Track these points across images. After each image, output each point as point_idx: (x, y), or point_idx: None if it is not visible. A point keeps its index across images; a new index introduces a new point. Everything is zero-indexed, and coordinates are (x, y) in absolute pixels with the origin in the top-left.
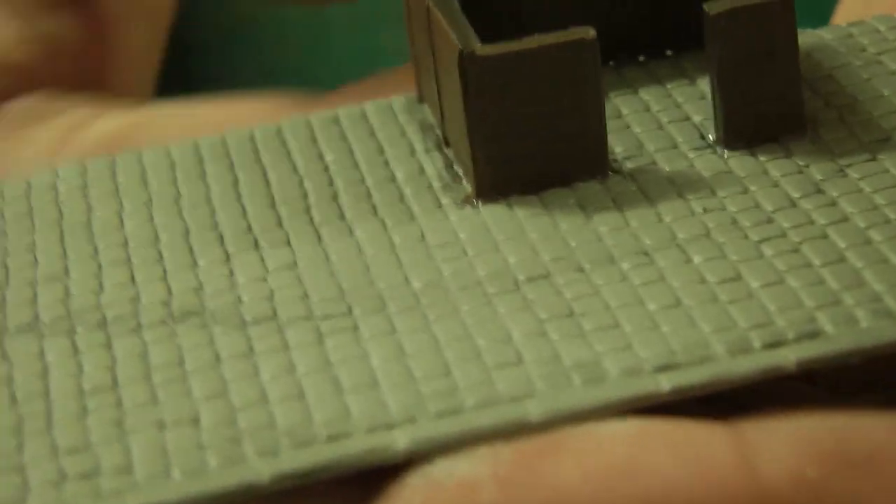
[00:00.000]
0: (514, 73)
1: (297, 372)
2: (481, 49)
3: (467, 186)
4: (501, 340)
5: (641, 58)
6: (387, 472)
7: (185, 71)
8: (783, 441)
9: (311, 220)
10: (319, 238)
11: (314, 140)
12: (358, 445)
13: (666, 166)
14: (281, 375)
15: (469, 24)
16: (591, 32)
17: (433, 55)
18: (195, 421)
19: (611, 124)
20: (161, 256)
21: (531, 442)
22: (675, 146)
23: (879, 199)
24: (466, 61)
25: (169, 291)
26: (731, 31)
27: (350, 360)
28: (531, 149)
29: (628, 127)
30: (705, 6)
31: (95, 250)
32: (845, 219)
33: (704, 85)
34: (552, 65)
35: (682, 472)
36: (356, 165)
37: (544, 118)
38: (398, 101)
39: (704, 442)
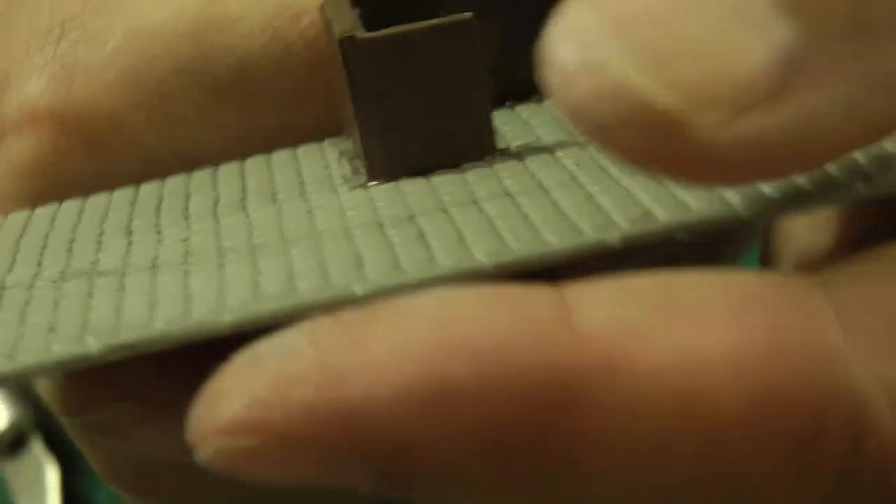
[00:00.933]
0: (395, 57)
1: (157, 294)
2: (360, 33)
3: (362, 178)
4: (349, 256)
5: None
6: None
7: None
8: (604, 291)
9: (215, 213)
10: (217, 222)
11: (243, 172)
12: (189, 322)
13: (554, 145)
14: (140, 299)
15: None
16: (468, 15)
17: (335, 61)
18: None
19: (517, 129)
20: (71, 249)
21: (350, 312)
22: (570, 133)
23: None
24: (346, 45)
25: (68, 265)
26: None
27: (204, 283)
28: (419, 132)
29: (532, 130)
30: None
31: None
32: None
33: None
34: (433, 47)
35: (497, 320)
36: (271, 180)
37: (429, 101)
38: (329, 140)
39: (521, 295)
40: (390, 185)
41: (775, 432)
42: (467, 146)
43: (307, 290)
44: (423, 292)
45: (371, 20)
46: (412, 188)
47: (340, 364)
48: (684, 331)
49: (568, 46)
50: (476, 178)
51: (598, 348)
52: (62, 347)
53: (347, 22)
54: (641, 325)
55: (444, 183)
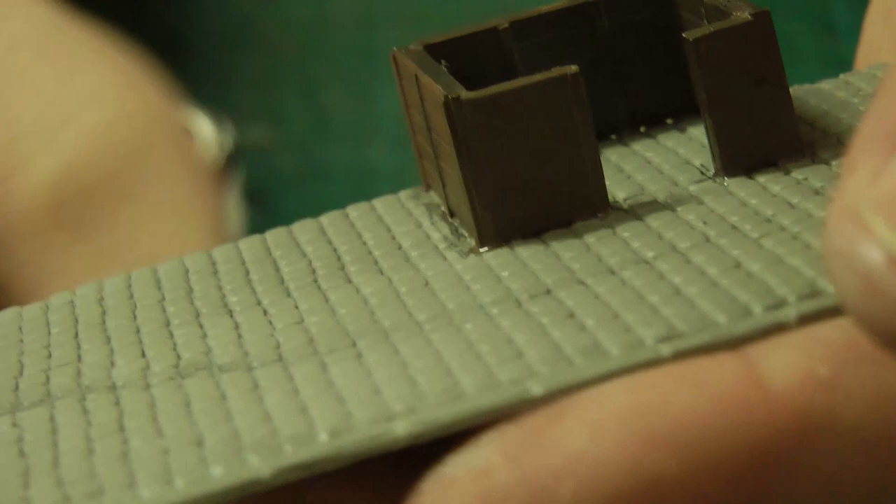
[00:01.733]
0: (501, 115)
1: (302, 394)
2: (465, 94)
3: (471, 241)
4: (503, 342)
5: (643, 128)
6: (405, 486)
7: (186, 71)
8: (789, 347)
9: (318, 286)
10: (326, 298)
11: (323, 231)
12: (358, 436)
13: (667, 200)
14: (285, 398)
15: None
16: (573, 68)
17: (426, 123)
18: (199, 443)
19: (612, 176)
20: (172, 334)
21: (533, 416)
22: (675, 184)
23: None
24: (452, 106)
25: (178, 357)
26: (713, 55)
27: (351, 378)
28: (528, 191)
29: (629, 178)
30: (684, 33)
31: (108, 339)
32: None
33: (703, 134)
34: (538, 103)
35: (690, 400)
36: (364, 243)
37: (537, 159)
38: (404, 192)
39: (708, 368)
40: (505, 251)
41: None
42: (578, 203)
43: (475, 390)
44: (601, 387)
45: (453, 72)
46: (530, 254)
47: (543, 475)
48: (878, 376)
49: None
50: (598, 241)
51: (795, 407)
52: (223, 470)
53: (448, 82)
54: (832, 378)
55: (565, 248)
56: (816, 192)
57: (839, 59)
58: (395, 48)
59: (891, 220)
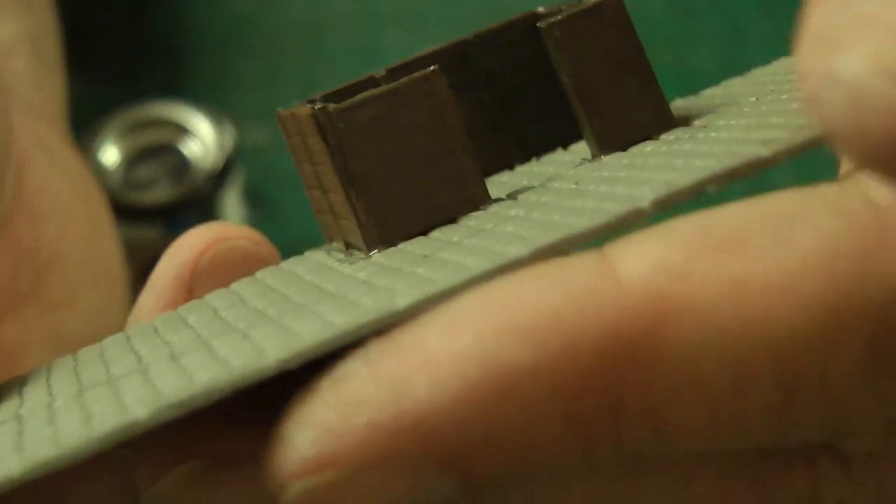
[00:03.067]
0: (370, 122)
1: (181, 362)
2: (333, 105)
3: (360, 255)
4: (372, 289)
5: (534, 159)
6: None
7: (186, 71)
8: (643, 241)
9: (216, 312)
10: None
11: (234, 292)
12: (233, 371)
13: (545, 183)
14: (168, 370)
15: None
16: (432, 68)
17: (310, 158)
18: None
19: (497, 186)
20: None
21: (398, 330)
22: (553, 177)
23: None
24: (320, 118)
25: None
26: (569, 41)
27: (234, 347)
28: (409, 193)
29: (514, 184)
30: (538, 24)
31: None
32: (704, 140)
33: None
34: (404, 105)
35: (544, 293)
36: (270, 286)
37: (412, 161)
38: (310, 251)
39: (564, 265)
40: (391, 250)
41: (848, 335)
42: (458, 200)
43: (344, 320)
44: (460, 295)
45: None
46: (414, 244)
47: (396, 374)
48: (733, 262)
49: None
50: (478, 220)
51: (650, 294)
52: (107, 421)
53: (319, 103)
54: (687, 265)
55: (445, 231)
56: (677, 142)
57: None
58: (279, 110)
59: (874, 34)
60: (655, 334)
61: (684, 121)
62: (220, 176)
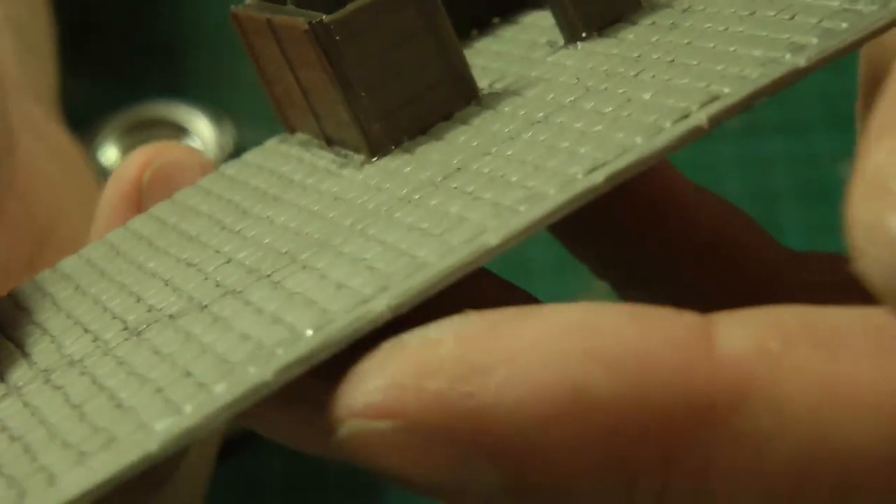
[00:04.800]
0: (364, 30)
1: (267, 310)
2: (327, 17)
3: (360, 157)
4: (441, 216)
5: (474, 31)
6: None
7: (186, 71)
8: (747, 319)
9: (231, 230)
10: (244, 237)
11: (209, 192)
12: (342, 321)
13: (532, 74)
14: (252, 318)
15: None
16: None
17: (288, 63)
18: (189, 374)
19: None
20: (105, 307)
21: (497, 312)
22: (531, 61)
23: (728, 10)
24: (318, 31)
25: (123, 322)
26: None
27: (309, 284)
28: (405, 94)
29: (486, 68)
30: None
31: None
32: (703, 32)
33: (539, 19)
34: (395, 10)
35: (639, 334)
36: (255, 188)
37: (406, 62)
38: (269, 140)
39: (667, 314)
40: (397, 153)
41: None
42: (452, 96)
43: (436, 257)
44: (568, 303)
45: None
46: (424, 148)
47: (478, 360)
48: (826, 364)
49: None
50: (484, 121)
51: (738, 373)
52: (225, 385)
53: (304, 13)
54: (782, 354)
55: (456, 135)
56: (671, 28)
57: (838, 61)
58: (231, 8)
59: None
60: (732, 411)
61: (647, 1)
62: None
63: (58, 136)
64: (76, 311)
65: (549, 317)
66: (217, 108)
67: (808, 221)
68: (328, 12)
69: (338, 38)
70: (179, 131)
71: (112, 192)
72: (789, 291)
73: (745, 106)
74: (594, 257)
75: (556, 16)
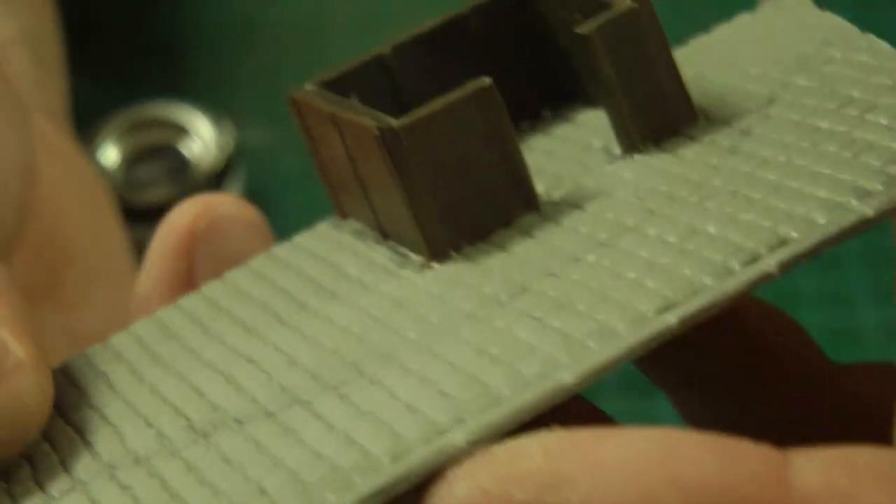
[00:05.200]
0: (431, 136)
1: (338, 427)
2: (396, 122)
3: (418, 258)
4: (509, 341)
5: (525, 124)
6: None
7: (186, 71)
8: (821, 457)
9: (287, 324)
10: (303, 335)
11: (260, 275)
12: (421, 453)
13: (589, 183)
14: (323, 434)
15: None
16: (486, 81)
17: (349, 156)
18: (263, 492)
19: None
20: (165, 398)
21: (582, 430)
22: (588, 168)
23: (788, 137)
24: (387, 137)
25: (187, 418)
26: (608, 42)
27: (379, 402)
28: (466, 199)
29: (541, 170)
30: (576, 28)
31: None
32: (765, 161)
33: (591, 119)
34: (462, 117)
35: (718, 465)
36: (310, 278)
37: (469, 168)
38: (321, 224)
39: (744, 447)
40: (459, 260)
41: None
42: (512, 202)
43: (510, 390)
44: (651, 427)
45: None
46: (486, 257)
47: (563, 473)
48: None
49: None
50: (546, 234)
51: None
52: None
53: (374, 115)
54: (851, 493)
55: (517, 246)
56: (730, 151)
57: None
58: (292, 92)
59: None
60: None
61: (705, 114)
62: (220, 176)
63: (71, 153)
64: (134, 399)
65: (633, 439)
66: (217, 108)
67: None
68: (391, 110)
69: (405, 143)
70: (179, 131)
71: (162, 244)
72: (836, 401)
73: (814, 253)
74: (655, 370)
75: (613, 122)
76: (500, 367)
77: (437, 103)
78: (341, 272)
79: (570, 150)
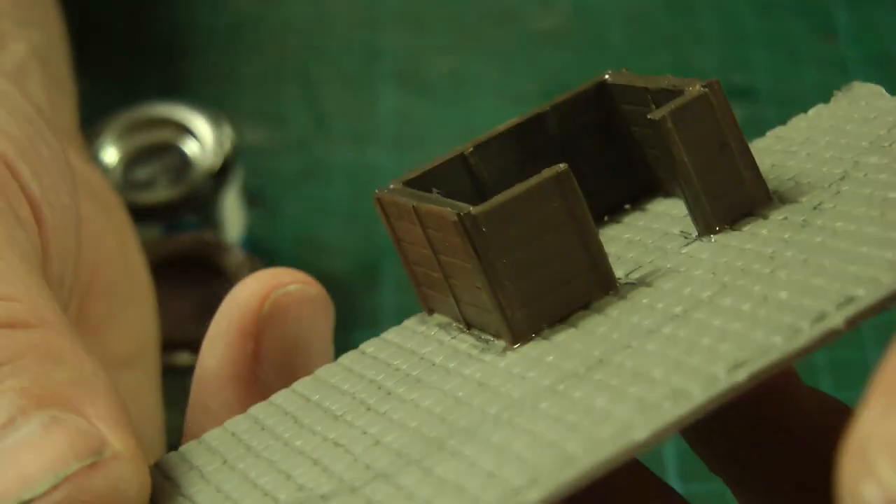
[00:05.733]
0: (509, 221)
1: (419, 495)
2: (474, 209)
3: (500, 343)
4: (586, 410)
5: (606, 217)
6: None
7: (186, 71)
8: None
9: (375, 412)
10: (390, 419)
11: (350, 370)
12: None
13: (666, 266)
14: (404, 500)
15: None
16: (562, 165)
17: (431, 246)
18: None
19: None
20: (256, 484)
21: None
22: (666, 252)
23: (859, 209)
24: (466, 222)
25: (275, 500)
26: (680, 129)
27: (459, 471)
28: (546, 283)
29: (619, 258)
30: (649, 115)
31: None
32: (835, 232)
33: (669, 208)
34: (539, 203)
35: None
36: (397, 369)
37: (548, 252)
38: (409, 320)
39: None
40: (539, 341)
41: None
42: (590, 285)
43: (583, 451)
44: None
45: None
46: (565, 337)
47: None
48: None
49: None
50: (622, 312)
51: None
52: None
53: (452, 203)
54: None
55: (595, 325)
56: (803, 225)
57: (838, 60)
58: (376, 192)
59: (892, 458)
60: None
61: (779, 196)
62: (219, 176)
63: (91, 175)
64: (225, 486)
65: None
66: (217, 108)
67: None
68: (472, 202)
69: (484, 229)
70: (179, 131)
71: (226, 322)
72: None
73: (880, 308)
74: (711, 454)
75: (690, 207)
76: (577, 432)
77: (515, 189)
78: (427, 361)
79: (648, 238)
